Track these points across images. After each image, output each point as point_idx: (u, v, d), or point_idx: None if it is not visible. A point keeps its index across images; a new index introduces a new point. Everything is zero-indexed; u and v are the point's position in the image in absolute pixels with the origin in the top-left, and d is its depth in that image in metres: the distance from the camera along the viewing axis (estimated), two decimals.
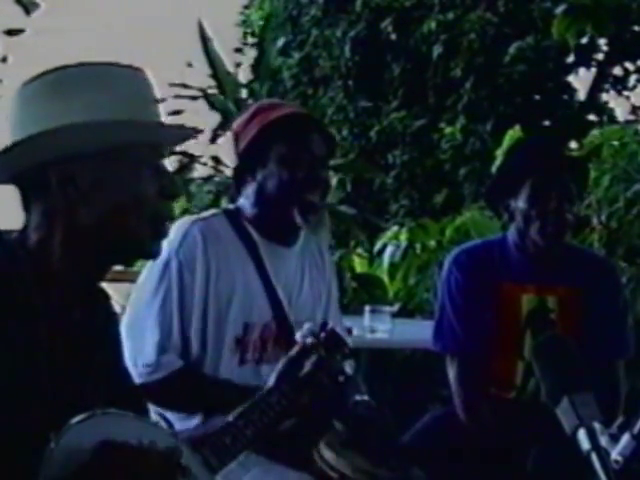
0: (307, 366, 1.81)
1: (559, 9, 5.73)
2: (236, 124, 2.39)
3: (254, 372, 2.27)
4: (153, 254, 1.58)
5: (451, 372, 2.76)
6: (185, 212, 6.68)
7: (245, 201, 2.35)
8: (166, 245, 2.22)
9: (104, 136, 1.50)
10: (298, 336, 1.91)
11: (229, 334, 2.25)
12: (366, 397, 2.15)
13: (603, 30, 5.73)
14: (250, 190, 2.33)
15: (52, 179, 1.49)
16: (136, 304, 2.25)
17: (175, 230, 2.26)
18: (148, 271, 2.26)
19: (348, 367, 1.89)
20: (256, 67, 7.19)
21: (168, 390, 2.18)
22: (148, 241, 1.54)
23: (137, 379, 1.98)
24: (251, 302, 2.28)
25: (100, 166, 1.50)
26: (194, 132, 1.66)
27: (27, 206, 1.53)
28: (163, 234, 1.56)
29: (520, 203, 2.68)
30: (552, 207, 2.63)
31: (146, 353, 2.19)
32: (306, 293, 2.40)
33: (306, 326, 1.92)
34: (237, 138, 2.37)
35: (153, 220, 1.53)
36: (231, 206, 2.41)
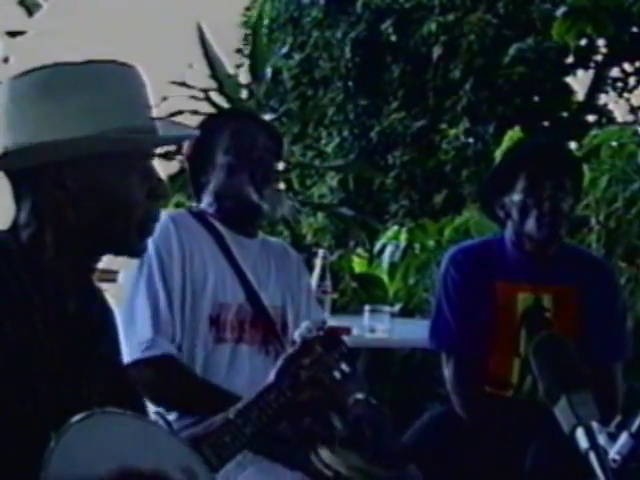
0: (306, 364, 1.81)
1: (559, 11, 5.74)
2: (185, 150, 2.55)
3: (232, 351, 2.32)
4: (139, 253, 1.60)
5: (447, 369, 2.77)
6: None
7: (205, 201, 2.45)
8: None
9: (98, 146, 1.50)
10: (296, 334, 1.93)
11: (205, 313, 2.30)
12: (365, 395, 2.16)
13: (603, 31, 5.74)
14: (208, 189, 2.44)
15: (43, 182, 1.50)
16: (124, 292, 2.30)
17: None
18: (126, 272, 2.32)
19: (344, 365, 1.90)
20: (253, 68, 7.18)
21: (156, 372, 2.20)
22: (135, 242, 1.56)
23: (129, 357, 2.02)
24: (224, 283, 2.34)
25: (91, 171, 1.50)
26: (188, 136, 1.66)
27: (19, 200, 1.54)
28: (149, 234, 1.58)
29: (515, 196, 2.69)
30: (547, 195, 2.64)
31: (139, 330, 2.22)
32: (274, 281, 2.45)
33: (304, 324, 1.94)
34: (187, 158, 2.50)
35: (141, 222, 1.55)
36: (194, 209, 2.50)
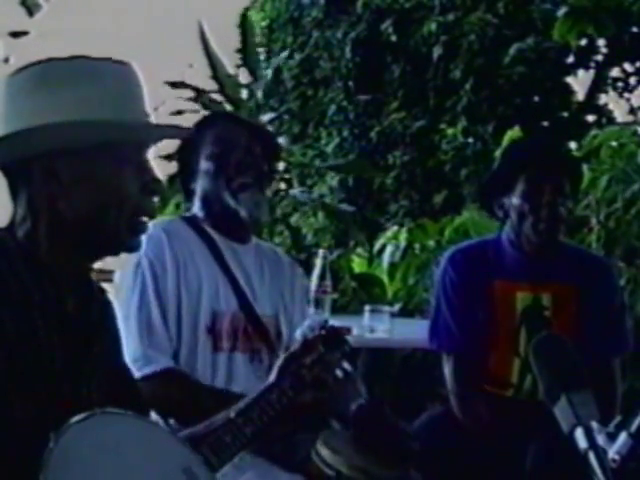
0: (308, 363, 1.81)
1: (560, 12, 5.75)
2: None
3: (228, 360, 2.32)
4: (133, 248, 1.59)
5: (446, 370, 2.77)
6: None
7: (196, 205, 2.46)
8: None
9: (89, 135, 1.51)
10: (298, 333, 1.93)
11: (202, 322, 2.31)
12: (365, 400, 2.16)
13: (604, 31, 5.75)
14: (196, 195, 2.45)
15: (35, 173, 1.50)
16: (119, 295, 2.29)
17: None
18: (122, 275, 2.32)
19: (347, 364, 1.90)
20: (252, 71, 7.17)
21: (157, 388, 2.18)
22: (127, 237, 1.55)
23: None
24: (217, 291, 2.34)
25: (83, 162, 1.51)
26: (180, 132, 1.67)
27: (15, 196, 1.55)
28: (142, 229, 1.57)
29: (514, 199, 2.69)
30: (545, 201, 2.64)
31: (131, 348, 2.19)
32: (268, 287, 2.45)
33: (306, 322, 1.94)
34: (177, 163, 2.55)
35: (133, 216, 1.54)
36: (187, 214, 2.51)
